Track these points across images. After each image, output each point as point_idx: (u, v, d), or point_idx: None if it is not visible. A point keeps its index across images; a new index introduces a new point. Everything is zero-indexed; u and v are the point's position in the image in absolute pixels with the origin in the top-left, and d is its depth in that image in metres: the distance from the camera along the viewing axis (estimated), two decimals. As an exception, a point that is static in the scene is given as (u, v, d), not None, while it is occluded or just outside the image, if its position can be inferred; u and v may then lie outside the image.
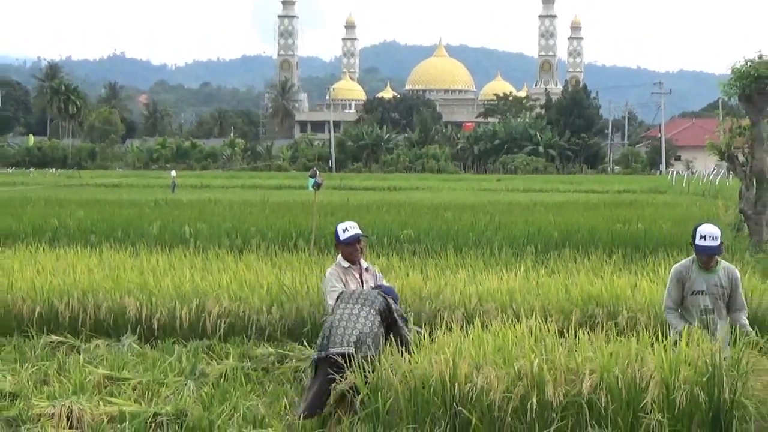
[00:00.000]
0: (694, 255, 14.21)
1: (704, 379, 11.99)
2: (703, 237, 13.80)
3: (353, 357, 12.60)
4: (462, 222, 35.00)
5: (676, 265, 14.60)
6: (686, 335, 12.59)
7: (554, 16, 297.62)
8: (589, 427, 11.82)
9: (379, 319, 13.29)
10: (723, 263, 14.40)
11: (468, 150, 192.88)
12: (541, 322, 13.95)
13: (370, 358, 12.62)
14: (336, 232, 14.87)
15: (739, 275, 14.55)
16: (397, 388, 12.33)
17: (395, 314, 13.64)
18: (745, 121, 33.00)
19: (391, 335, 13.58)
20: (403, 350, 13.26)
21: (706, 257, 13.97)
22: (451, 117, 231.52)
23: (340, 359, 12.65)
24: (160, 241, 28.43)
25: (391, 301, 13.71)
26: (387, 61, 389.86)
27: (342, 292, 13.86)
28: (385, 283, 15.18)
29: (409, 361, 12.67)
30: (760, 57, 30.73)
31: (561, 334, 13.46)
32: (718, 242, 13.93)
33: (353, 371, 12.46)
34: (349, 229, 14.73)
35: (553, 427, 11.82)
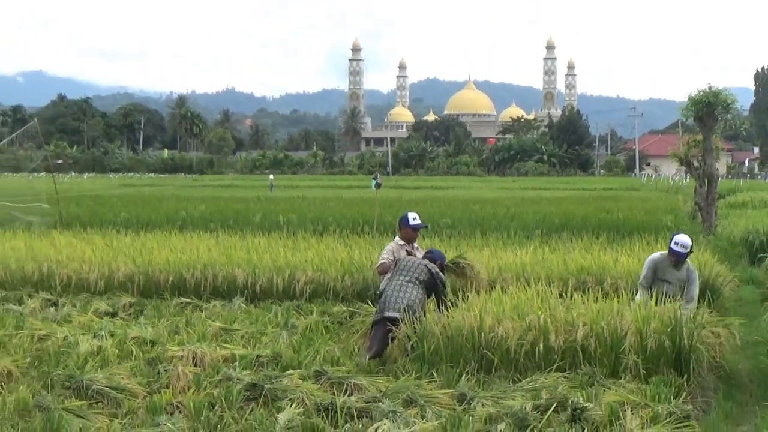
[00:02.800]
0: (668, 252, 14.25)
1: (669, 330, 12.01)
2: (677, 244, 14.05)
3: (402, 320, 12.71)
4: (486, 212, 34.93)
5: (654, 255, 14.75)
6: (641, 304, 12.79)
7: (555, 58, 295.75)
8: (582, 366, 11.81)
9: (423, 289, 13.38)
10: (688, 263, 14.54)
11: (491, 158, 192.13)
12: (545, 287, 13.96)
13: (418, 318, 12.71)
14: (406, 218, 14.88)
15: (696, 275, 14.69)
16: (438, 337, 12.37)
17: (438, 282, 13.67)
18: (699, 136, 32.91)
19: (433, 295, 13.63)
20: (442, 308, 13.37)
21: (675, 259, 14.09)
22: (478, 134, 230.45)
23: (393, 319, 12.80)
24: (261, 227, 28.48)
25: (434, 270, 13.76)
26: (430, 93, 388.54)
27: (397, 263, 13.94)
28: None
29: (447, 316, 12.72)
30: (710, 88, 30.77)
31: (561, 295, 13.39)
32: (687, 251, 14.15)
33: (406, 325, 12.55)
34: (417, 218, 14.84)
35: (554, 365, 11.83)
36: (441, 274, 13.97)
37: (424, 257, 14.38)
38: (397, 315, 12.83)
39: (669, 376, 11.55)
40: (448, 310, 13.27)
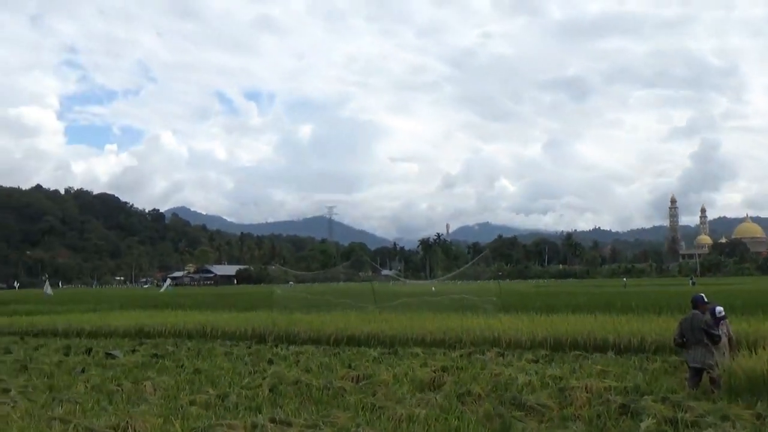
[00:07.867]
0: None
1: None
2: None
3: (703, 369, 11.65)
4: (766, 298, 31.55)
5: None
6: None
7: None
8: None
9: (706, 343, 11.56)
10: None
11: (764, 265, 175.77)
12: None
13: (715, 363, 11.51)
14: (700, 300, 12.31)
15: None
16: (740, 375, 11.25)
17: (711, 333, 11.54)
18: None
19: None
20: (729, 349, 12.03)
21: None
22: (754, 249, 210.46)
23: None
24: (620, 309, 26.93)
25: (706, 328, 11.53)
26: (721, 225, 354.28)
27: (683, 322, 12.03)
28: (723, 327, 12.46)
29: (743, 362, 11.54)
30: None
31: None
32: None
33: (713, 370, 11.51)
34: (717, 308, 12.24)
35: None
36: (710, 325, 11.70)
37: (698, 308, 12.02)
38: (698, 366, 11.66)
39: None
40: (733, 348, 12.18)
